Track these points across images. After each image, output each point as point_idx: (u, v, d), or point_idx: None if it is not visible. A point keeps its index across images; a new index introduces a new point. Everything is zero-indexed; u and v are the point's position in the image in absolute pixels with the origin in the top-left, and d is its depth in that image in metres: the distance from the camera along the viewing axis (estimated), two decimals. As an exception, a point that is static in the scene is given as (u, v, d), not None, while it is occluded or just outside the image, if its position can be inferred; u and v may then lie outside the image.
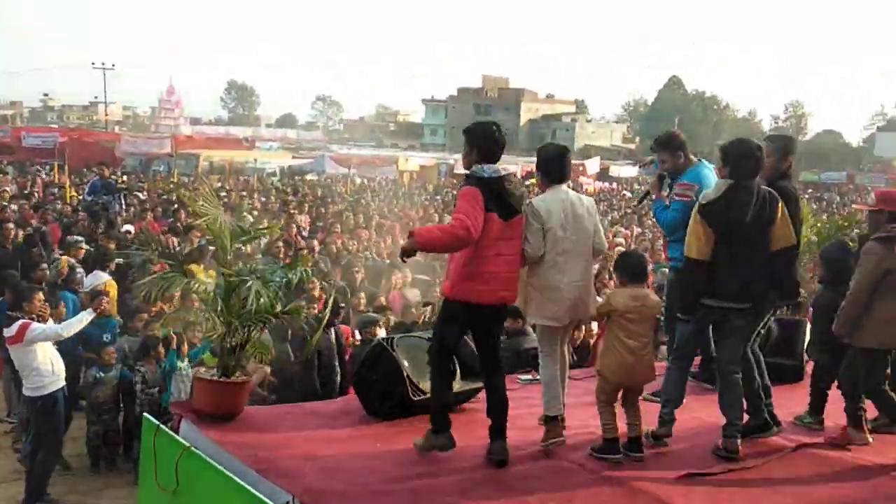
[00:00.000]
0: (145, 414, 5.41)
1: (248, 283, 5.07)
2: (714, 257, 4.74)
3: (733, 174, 4.81)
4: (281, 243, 12.37)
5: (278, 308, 5.32)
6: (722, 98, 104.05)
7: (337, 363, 8.58)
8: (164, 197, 21.04)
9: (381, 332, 8.27)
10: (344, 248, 13.90)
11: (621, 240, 16.55)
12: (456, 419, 4.77)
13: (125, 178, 26.03)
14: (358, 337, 9.13)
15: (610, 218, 23.37)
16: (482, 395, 4.99)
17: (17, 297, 7.80)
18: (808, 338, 6.69)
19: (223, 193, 21.28)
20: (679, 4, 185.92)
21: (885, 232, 5.14)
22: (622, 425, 4.80)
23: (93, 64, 68.72)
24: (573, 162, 5.45)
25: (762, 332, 5.34)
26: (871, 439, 5.20)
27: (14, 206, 16.13)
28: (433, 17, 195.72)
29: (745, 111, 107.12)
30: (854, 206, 6.19)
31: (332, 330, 8.61)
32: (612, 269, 6.47)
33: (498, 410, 4.69)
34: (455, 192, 5.65)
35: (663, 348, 7.05)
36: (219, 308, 5.23)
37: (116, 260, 10.92)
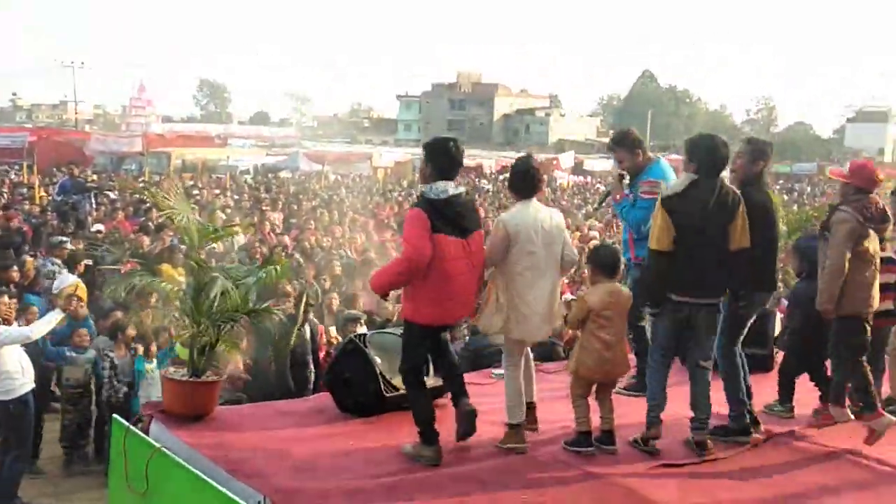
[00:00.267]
0: (115, 416, 5.34)
1: (217, 281, 5.02)
2: (675, 250, 4.74)
3: (698, 169, 4.82)
4: (257, 243, 12.27)
5: (249, 306, 5.27)
6: (693, 92, 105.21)
7: (311, 359, 8.55)
8: (136, 196, 20.82)
9: (363, 331, 8.21)
10: (318, 244, 13.85)
11: (595, 233, 16.60)
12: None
13: (95, 177, 25.74)
14: (334, 335, 9.08)
15: (584, 212, 23.44)
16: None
17: (-21, 300, 7.63)
18: (777, 329, 6.77)
19: (195, 192, 21.09)
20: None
21: (852, 202, 5.15)
22: (595, 418, 4.82)
23: (62, 63, 68.17)
24: (546, 157, 5.42)
25: (746, 330, 5.30)
26: (853, 416, 5.23)
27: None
28: (406, 14, 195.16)
29: (716, 104, 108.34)
30: (829, 174, 6.24)
31: (308, 326, 8.57)
32: (584, 261, 6.44)
33: (458, 385, 4.79)
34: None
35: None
36: (188, 307, 5.18)
37: (85, 261, 10.76)
